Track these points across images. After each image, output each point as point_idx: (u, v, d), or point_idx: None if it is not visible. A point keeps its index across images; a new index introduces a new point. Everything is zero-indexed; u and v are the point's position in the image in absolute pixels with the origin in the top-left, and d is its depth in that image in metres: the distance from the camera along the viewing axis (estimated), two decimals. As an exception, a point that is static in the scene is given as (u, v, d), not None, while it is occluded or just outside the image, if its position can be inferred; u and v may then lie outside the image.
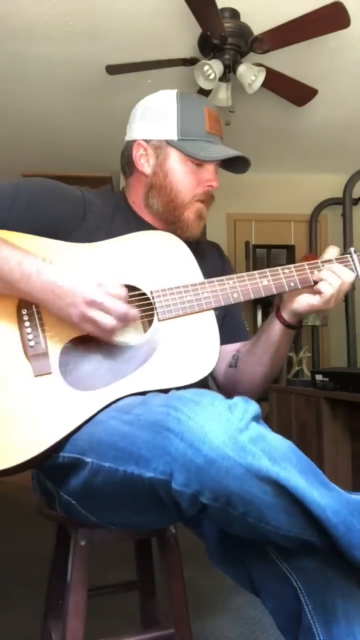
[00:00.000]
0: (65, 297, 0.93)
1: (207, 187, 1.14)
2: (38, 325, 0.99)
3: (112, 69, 2.64)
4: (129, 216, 1.17)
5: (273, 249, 4.43)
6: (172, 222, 1.14)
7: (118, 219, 1.14)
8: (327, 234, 4.50)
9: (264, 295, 1.07)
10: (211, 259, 1.28)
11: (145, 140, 1.15)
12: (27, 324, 0.99)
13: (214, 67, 2.45)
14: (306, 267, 1.09)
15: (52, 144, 3.71)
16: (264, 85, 2.60)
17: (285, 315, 1.11)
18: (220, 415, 0.79)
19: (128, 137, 1.18)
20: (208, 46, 2.49)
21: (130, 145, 1.17)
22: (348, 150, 3.93)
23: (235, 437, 0.77)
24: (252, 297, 1.06)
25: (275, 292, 1.07)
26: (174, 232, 1.13)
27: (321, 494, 0.77)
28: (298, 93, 2.87)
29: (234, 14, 2.42)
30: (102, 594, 1.35)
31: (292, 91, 2.84)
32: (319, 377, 2.31)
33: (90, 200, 1.11)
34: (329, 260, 1.09)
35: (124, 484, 0.86)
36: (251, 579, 0.90)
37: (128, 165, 1.19)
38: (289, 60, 2.69)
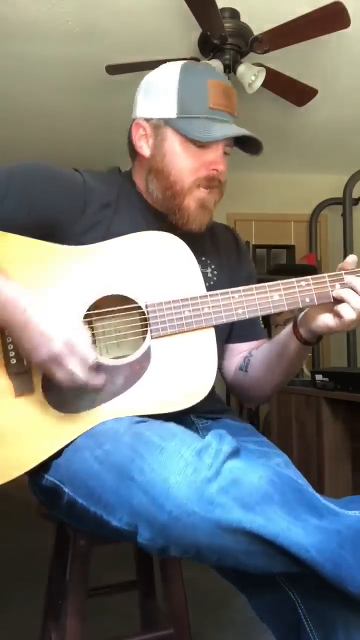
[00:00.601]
0: (31, 341, 0.84)
1: (212, 170, 1.00)
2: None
3: (112, 69, 2.64)
4: (134, 203, 1.07)
5: (273, 249, 4.43)
6: (172, 212, 1.03)
7: (122, 207, 1.04)
8: (327, 234, 4.50)
9: (273, 312, 0.95)
10: (225, 248, 1.17)
11: (146, 119, 1.03)
12: (9, 339, 0.90)
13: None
14: (327, 279, 0.95)
15: (52, 143, 3.71)
16: (264, 85, 2.60)
17: (302, 332, 1.01)
18: (186, 464, 0.74)
19: (132, 115, 1.07)
20: (208, 46, 2.49)
21: (131, 124, 1.06)
22: (348, 150, 3.93)
23: (201, 490, 0.72)
24: (260, 314, 0.95)
25: (287, 309, 0.94)
26: (176, 223, 1.03)
27: (306, 529, 0.71)
28: (298, 93, 2.86)
29: (234, 14, 2.42)
30: (102, 594, 1.34)
31: (292, 91, 2.83)
32: (319, 377, 2.31)
33: (91, 187, 1.01)
34: (356, 272, 0.95)
35: (97, 523, 0.82)
36: (247, 591, 0.88)
37: (130, 146, 1.08)
38: (289, 60, 2.68)
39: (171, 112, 1.00)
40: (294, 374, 1.11)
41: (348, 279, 0.94)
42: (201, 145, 0.99)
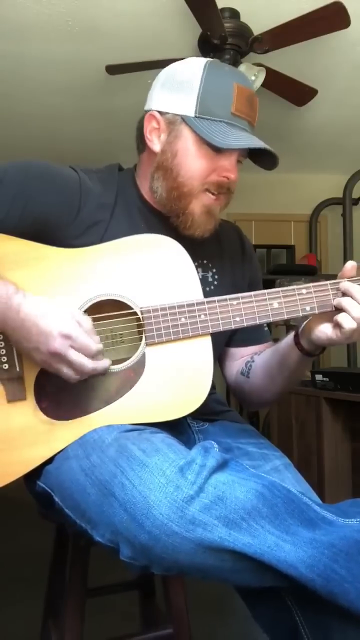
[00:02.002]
0: (31, 341, 0.83)
1: (223, 177, 0.96)
2: (13, 346, 0.88)
3: (112, 69, 2.63)
4: (133, 204, 1.03)
5: (273, 249, 4.43)
6: (175, 215, 0.99)
7: (120, 209, 1.00)
8: (327, 234, 4.50)
9: (272, 321, 0.92)
10: (229, 250, 1.13)
11: (161, 112, 0.98)
12: (1, 344, 0.89)
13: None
14: (329, 286, 0.91)
15: (51, 144, 3.70)
16: (264, 85, 2.59)
17: (304, 343, 0.96)
18: (168, 481, 0.72)
19: (146, 107, 1.02)
20: (208, 46, 2.49)
21: (144, 116, 1.01)
22: (348, 150, 3.93)
23: (182, 509, 0.70)
24: (258, 322, 0.92)
25: (286, 318, 0.91)
26: (176, 227, 1.00)
27: (296, 544, 0.69)
28: (298, 93, 2.86)
29: (234, 14, 2.41)
30: (102, 594, 1.35)
31: (292, 91, 2.83)
32: (319, 377, 2.31)
33: (88, 188, 0.98)
34: (357, 280, 0.91)
35: (83, 535, 0.82)
36: (245, 596, 0.87)
37: (140, 139, 1.03)
38: (289, 60, 2.68)
39: (190, 109, 0.94)
40: (296, 383, 1.07)
41: (344, 285, 0.89)
42: (216, 149, 0.95)
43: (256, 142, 0.94)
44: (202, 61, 0.97)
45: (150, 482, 0.72)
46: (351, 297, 0.88)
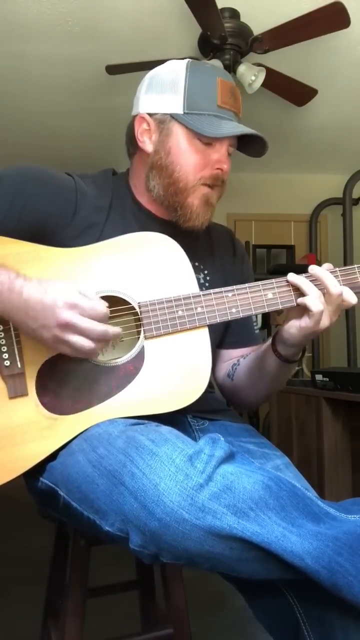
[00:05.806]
0: (37, 319, 0.82)
1: (216, 169, 1.00)
2: (14, 342, 0.90)
3: (112, 69, 2.64)
4: (127, 207, 1.05)
5: (273, 249, 4.43)
6: (174, 209, 1.02)
7: (115, 212, 1.03)
8: (327, 234, 4.50)
9: (267, 311, 0.93)
10: (220, 252, 1.15)
11: (149, 114, 1.02)
12: (2, 341, 0.90)
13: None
14: None
15: (51, 144, 3.71)
16: (264, 85, 2.60)
17: (280, 348, 0.98)
18: (177, 470, 0.73)
19: (133, 112, 1.06)
20: (208, 46, 2.49)
21: (133, 120, 1.04)
22: (348, 150, 3.93)
23: (192, 497, 0.71)
24: (254, 312, 0.94)
25: (281, 307, 0.93)
26: (177, 221, 1.02)
27: (302, 535, 0.70)
28: (298, 93, 2.86)
29: (234, 14, 2.41)
30: (102, 594, 1.34)
31: (292, 91, 2.83)
32: (319, 377, 2.31)
33: (84, 191, 1.00)
34: (349, 269, 0.93)
35: (91, 526, 0.82)
36: (246, 593, 0.87)
37: (130, 142, 1.06)
38: (289, 60, 2.68)
39: (177, 107, 0.98)
40: (279, 388, 1.09)
41: (292, 280, 0.92)
42: (207, 142, 0.98)
43: (246, 129, 0.98)
44: (183, 61, 1.01)
45: (161, 470, 0.73)
46: (307, 284, 0.91)
